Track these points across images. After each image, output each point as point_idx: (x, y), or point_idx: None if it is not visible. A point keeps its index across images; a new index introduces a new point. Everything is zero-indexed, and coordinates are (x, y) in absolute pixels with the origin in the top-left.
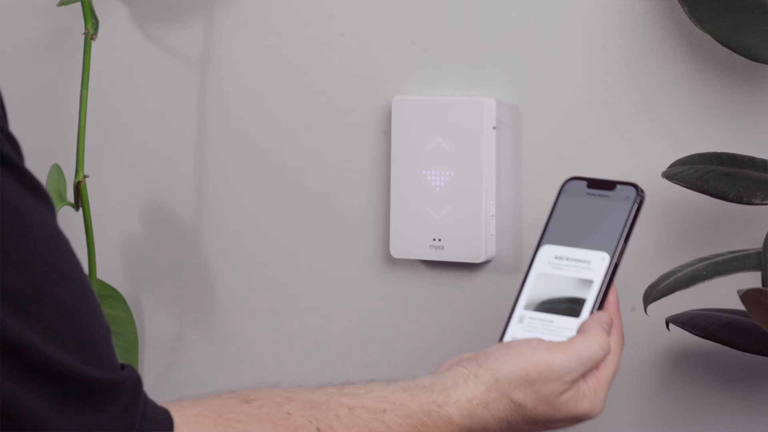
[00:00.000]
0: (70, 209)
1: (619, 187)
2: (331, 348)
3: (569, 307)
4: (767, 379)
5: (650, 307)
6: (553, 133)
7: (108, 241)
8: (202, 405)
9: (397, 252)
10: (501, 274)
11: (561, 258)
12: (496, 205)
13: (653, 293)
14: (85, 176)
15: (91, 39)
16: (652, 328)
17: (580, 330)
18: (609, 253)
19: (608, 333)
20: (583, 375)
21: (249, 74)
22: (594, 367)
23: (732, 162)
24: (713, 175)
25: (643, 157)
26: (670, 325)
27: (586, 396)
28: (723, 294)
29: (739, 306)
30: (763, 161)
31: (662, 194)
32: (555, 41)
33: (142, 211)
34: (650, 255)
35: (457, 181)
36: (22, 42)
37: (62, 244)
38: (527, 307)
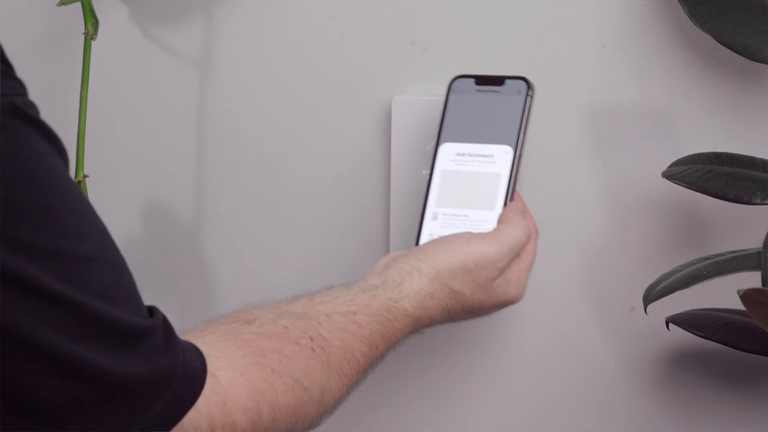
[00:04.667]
0: None
1: (508, 81)
2: None
3: (482, 200)
4: (767, 379)
5: (650, 307)
6: (553, 133)
7: None
8: (215, 333)
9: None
10: None
11: (464, 154)
12: None
13: (653, 293)
14: (85, 176)
15: (91, 39)
16: (652, 328)
17: (501, 220)
18: (512, 146)
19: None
20: (508, 263)
21: (249, 74)
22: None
23: (732, 162)
24: (713, 175)
25: (643, 157)
26: (670, 325)
27: (511, 283)
28: (723, 294)
29: (739, 306)
30: (763, 161)
31: (662, 194)
32: (555, 41)
33: (142, 211)
34: (650, 255)
35: None
36: (22, 42)
37: (89, 204)
38: (439, 205)
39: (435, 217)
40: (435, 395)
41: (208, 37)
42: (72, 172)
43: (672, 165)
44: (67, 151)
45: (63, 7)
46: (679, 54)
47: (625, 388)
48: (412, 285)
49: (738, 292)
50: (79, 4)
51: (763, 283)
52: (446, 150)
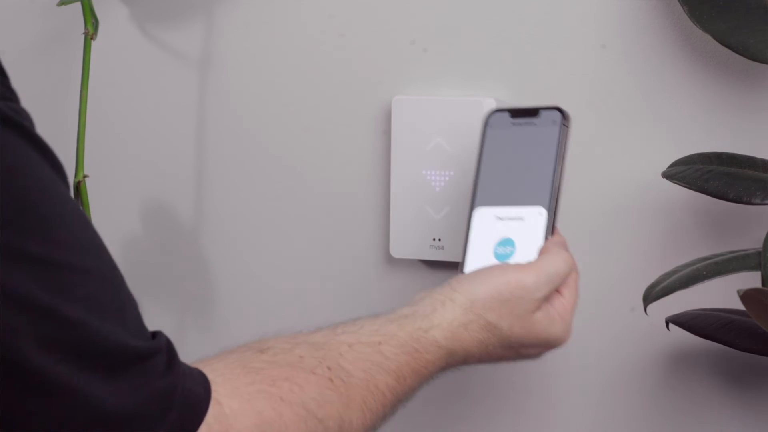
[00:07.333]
0: None
1: (543, 112)
2: None
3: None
4: (767, 379)
5: (650, 307)
6: None
7: (108, 241)
8: (224, 360)
9: (397, 252)
10: None
11: (499, 218)
12: None
13: (653, 293)
14: (85, 176)
15: (91, 39)
16: (652, 328)
17: (541, 252)
18: (545, 207)
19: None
20: (549, 298)
21: (249, 74)
22: (561, 283)
23: (732, 162)
24: (713, 175)
25: (643, 157)
26: (670, 325)
27: (555, 320)
28: (723, 294)
29: (739, 306)
30: (763, 161)
31: (662, 194)
32: (555, 41)
33: (142, 211)
34: (650, 255)
35: (457, 181)
36: (22, 42)
37: (86, 218)
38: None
39: None
40: (431, 396)
41: (208, 37)
42: (71, 173)
43: (672, 165)
44: (62, 165)
45: (63, 7)
46: (679, 54)
47: (625, 388)
48: (444, 315)
49: (738, 292)
50: (79, 4)
51: (763, 283)
52: (480, 215)
